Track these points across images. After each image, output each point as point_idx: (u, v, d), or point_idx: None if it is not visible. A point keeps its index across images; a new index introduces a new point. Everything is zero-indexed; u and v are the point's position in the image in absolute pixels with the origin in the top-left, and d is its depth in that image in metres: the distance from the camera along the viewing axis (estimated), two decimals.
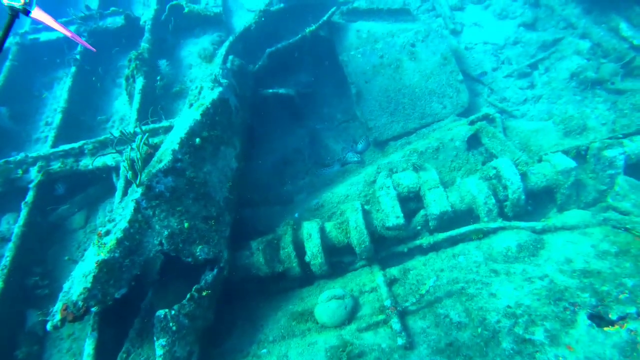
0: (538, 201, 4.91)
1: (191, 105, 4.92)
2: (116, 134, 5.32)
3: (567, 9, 6.58)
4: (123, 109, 6.85)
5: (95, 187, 5.80)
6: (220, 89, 4.94)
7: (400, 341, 3.71)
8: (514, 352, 3.33)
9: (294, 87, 6.40)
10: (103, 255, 3.60)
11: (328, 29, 6.96)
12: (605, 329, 3.34)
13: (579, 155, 4.91)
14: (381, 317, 4.09)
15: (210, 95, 4.85)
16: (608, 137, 4.82)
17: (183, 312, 3.90)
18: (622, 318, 3.35)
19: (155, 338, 3.72)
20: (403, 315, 4.05)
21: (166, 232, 3.97)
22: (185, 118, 4.71)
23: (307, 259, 4.78)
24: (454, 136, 5.49)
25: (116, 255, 3.66)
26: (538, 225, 4.59)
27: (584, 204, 4.78)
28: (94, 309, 3.57)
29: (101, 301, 3.54)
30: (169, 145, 4.41)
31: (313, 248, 4.73)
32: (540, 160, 5.01)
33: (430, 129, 6.06)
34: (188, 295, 3.99)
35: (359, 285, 4.65)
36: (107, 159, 5.44)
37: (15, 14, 2.75)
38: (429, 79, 6.27)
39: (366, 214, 4.88)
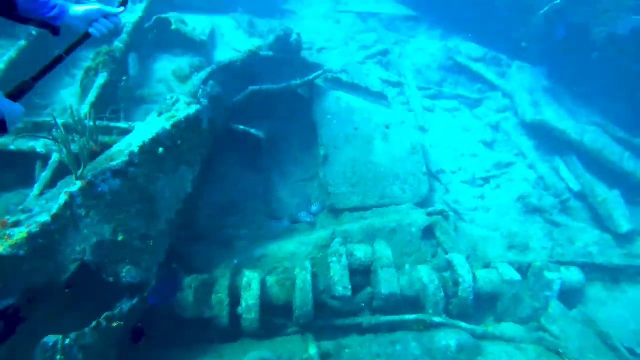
0: (479, 306, 4.93)
1: (161, 114, 4.50)
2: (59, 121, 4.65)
3: (521, 140, 7.31)
4: (70, 101, 6.11)
5: (7, 173, 4.90)
6: (198, 107, 4.62)
7: None
8: None
9: (264, 131, 6.20)
10: (2, 249, 2.87)
11: (309, 89, 7.05)
12: None
13: (520, 270, 5.09)
14: None
15: (186, 110, 4.50)
16: (548, 261, 5.09)
17: (80, 343, 3.16)
18: None
19: None
20: None
21: (95, 240, 3.34)
22: (152, 124, 4.27)
23: (239, 310, 4.27)
24: (412, 222, 5.52)
25: (20, 253, 2.94)
26: (478, 329, 4.56)
27: (519, 318, 4.87)
28: None
29: None
30: (126, 147, 3.90)
31: (249, 300, 4.26)
32: (487, 267, 5.14)
33: (387, 210, 6.06)
34: (94, 323, 3.28)
35: (290, 353, 4.17)
36: (37, 144, 4.67)
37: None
38: (396, 162, 6.42)
39: (314, 277, 4.56)
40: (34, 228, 3.04)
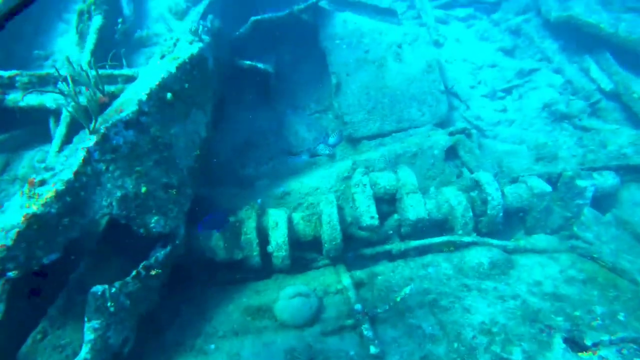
0: (507, 221, 4.89)
1: (163, 56, 4.26)
2: (62, 73, 4.46)
3: (545, 42, 6.81)
4: (69, 50, 5.84)
5: (23, 129, 4.84)
6: (201, 44, 4.34)
7: (373, 349, 3.39)
8: None
9: (271, 64, 5.90)
10: (36, 208, 2.87)
11: (313, 14, 6.57)
12: (580, 354, 3.29)
13: (550, 181, 4.97)
14: (349, 321, 3.75)
15: (189, 49, 4.23)
16: (580, 168, 4.94)
17: (125, 291, 3.26)
18: (596, 345, 3.33)
19: (85, 319, 3.05)
20: (373, 321, 3.74)
21: (119, 194, 3.30)
22: (156, 69, 4.05)
23: (269, 249, 4.32)
24: (434, 144, 5.36)
25: (52, 210, 2.93)
26: (510, 244, 4.56)
27: (550, 229, 4.84)
28: (11, 274, 2.82)
29: (23, 265, 2.81)
30: (133, 95, 3.72)
31: (278, 238, 4.28)
32: (515, 181, 5.03)
33: (407, 134, 5.88)
34: (134, 272, 3.35)
35: (324, 286, 4.28)
36: (46, 99, 4.53)
37: None
38: (411, 83, 6.11)
39: (340, 210, 4.54)
40: (60, 186, 3.00)
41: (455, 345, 3.44)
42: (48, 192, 2.89)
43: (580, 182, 4.66)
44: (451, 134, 5.60)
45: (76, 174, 3.07)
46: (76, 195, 3.05)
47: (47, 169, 3.14)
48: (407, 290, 3.80)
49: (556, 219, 4.81)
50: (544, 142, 5.50)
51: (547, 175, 5.03)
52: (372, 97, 6.01)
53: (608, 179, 4.90)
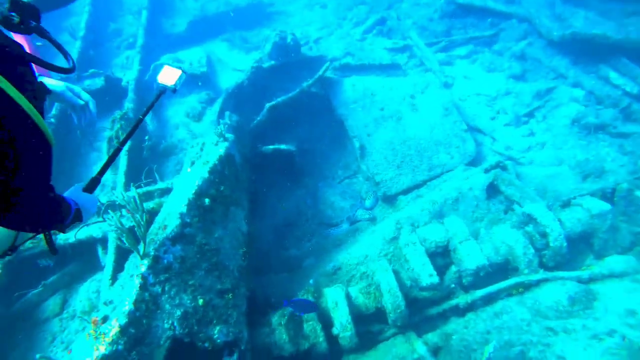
0: (573, 249, 4.61)
1: (193, 163, 4.39)
2: (103, 200, 4.65)
3: (554, 61, 6.80)
4: (104, 176, 6.15)
5: (74, 264, 4.96)
6: (227, 144, 4.48)
7: None
8: None
9: (293, 143, 6.03)
10: (103, 349, 2.85)
11: (321, 85, 6.81)
12: None
13: (605, 198, 4.72)
14: None
15: (216, 151, 4.37)
16: (634, 177, 4.69)
17: None
18: None
19: None
20: None
21: (179, 312, 3.27)
22: (189, 177, 4.17)
23: (334, 331, 4.14)
24: (473, 185, 5.22)
25: (119, 347, 2.91)
26: (584, 274, 4.25)
27: (621, 248, 4.53)
28: None
29: None
30: (173, 209, 3.81)
31: (342, 318, 4.12)
32: (567, 205, 4.80)
33: (441, 180, 5.78)
34: None
35: (398, 357, 4.03)
36: (93, 230, 4.69)
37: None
38: (433, 129, 6.11)
39: (396, 274, 4.38)
40: (122, 319, 2.99)
41: None
42: (113, 329, 2.88)
43: None
44: (486, 170, 5.47)
45: (135, 302, 3.07)
46: (139, 324, 3.03)
47: (107, 304, 3.15)
48: (490, 348, 3.53)
49: (625, 236, 4.50)
50: (585, 158, 5.30)
51: (601, 192, 4.79)
52: (398, 152, 6.01)
53: None
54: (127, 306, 3.05)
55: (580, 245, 4.64)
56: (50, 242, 2.24)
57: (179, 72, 2.92)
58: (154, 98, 2.92)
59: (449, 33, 8.08)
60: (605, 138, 5.70)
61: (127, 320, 2.98)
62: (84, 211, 2.23)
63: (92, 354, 2.86)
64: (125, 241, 3.19)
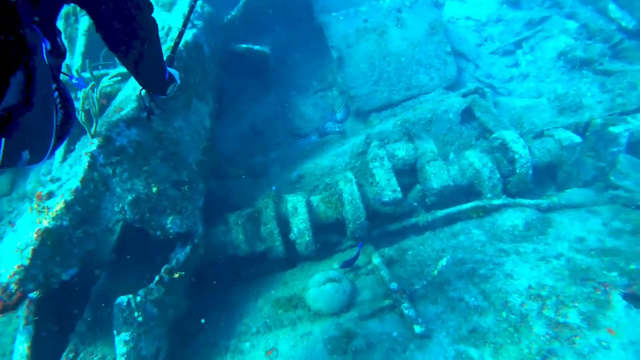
0: (537, 179, 4.64)
1: None
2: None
3: None
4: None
5: None
6: (194, 30, 4.10)
7: (417, 329, 3.20)
8: (551, 337, 2.96)
9: (268, 46, 5.63)
10: (47, 222, 2.69)
11: None
12: None
13: (577, 132, 4.70)
14: (387, 302, 3.56)
15: (183, 37, 3.97)
16: (609, 114, 4.65)
17: (151, 299, 3.09)
18: None
19: (114, 332, 2.88)
20: (412, 299, 3.55)
21: (130, 197, 3.11)
22: None
23: (292, 236, 4.13)
24: (448, 108, 5.08)
25: (64, 223, 2.76)
26: (543, 202, 4.33)
27: (583, 182, 4.59)
28: (32, 295, 2.66)
29: (43, 284, 2.64)
30: (131, 92, 3.51)
31: (300, 224, 4.08)
32: (540, 136, 4.77)
33: (417, 102, 5.61)
34: (156, 278, 3.18)
35: (353, 268, 4.09)
36: None
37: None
38: (415, 48, 5.81)
39: (360, 187, 4.32)
40: (68, 196, 2.81)
41: (504, 314, 3.24)
42: (57, 204, 2.70)
43: (613, 129, 4.38)
44: (464, 95, 5.33)
45: (83, 181, 2.87)
46: (86, 203, 2.86)
47: (53, 180, 2.94)
48: (443, 262, 3.59)
49: (589, 171, 4.55)
50: (565, 92, 5.20)
51: (574, 126, 4.77)
52: (376, 67, 5.73)
53: None
54: (74, 184, 2.86)
55: (544, 177, 4.67)
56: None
57: None
58: None
59: None
60: (589, 74, 5.57)
61: (73, 197, 2.79)
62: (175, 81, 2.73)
63: (36, 227, 2.70)
64: (80, 118, 2.91)
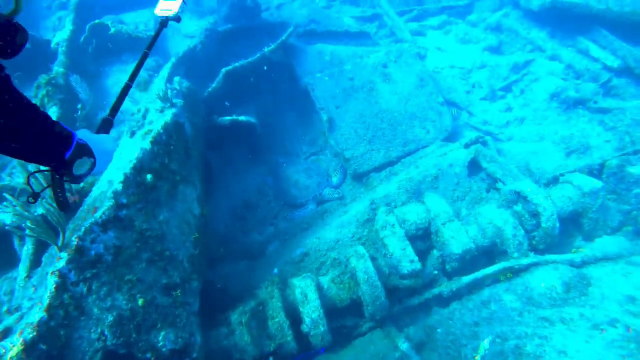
0: (560, 230, 4.26)
1: (133, 133, 3.62)
2: (19, 180, 3.78)
3: (532, 33, 6.44)
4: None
5: None
6: (174, 110, 3.74)
7: None
8: None
9: (253, 115, 5.33)
10: None
11: (284, 53, 6.11)
12: None
13: (592, 175, 4.41)
14: None
15: (161, 118, 3.61)
16: (620, 153, 4.39)
17: None
18: None
19: None
20: None
21: (110, 318, 2.56)
22: (127, 149, 3.41)
23: (304, 328, 3.57)
24: (453, 162, 4.76)
25: None
26: (576, 257, 3.91)
27: (610, 228, 4.23)
28: None
29: None
30: (106, 187, 3.05)
31: (312, 313, 3.55)
32: (554, 183, 4.45)
33: (416, 157, 5.29)
34: None
35: (379, 356, 3.53)
36: (4, 216, 3.81)
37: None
38: (407, 101, 5.59)
39: (373, 261, 3.85)
40: (28, 333, 2.25)
41: None
42: (15, 349, 2.14)
43: (633, 169, 4.09)
44: (466, 146, 5.04)
45: (49, 308, 2.34)
46: (54, 337, 2.31)
47: (10, 311, 2.40)
48: (486, 345, 3.08)
49: (614, 216, 4.21)
50: (570, 134, 4.97)
51: (587, 169, 4.47)
52: (369, 125, 5.45)
53: None
54: (38, 315, 2.31)
55: (569, 226, 4.30)
56: (60, 194, 2.09)
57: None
58: (156, 31, 2.87)
59: (421, 1, 7.56)
60: (585, 113, 5.40)
61: (35, 334, 2.24)
62: (95, 149, 2.15)
63: None
64: (34, 230, 2.42)
